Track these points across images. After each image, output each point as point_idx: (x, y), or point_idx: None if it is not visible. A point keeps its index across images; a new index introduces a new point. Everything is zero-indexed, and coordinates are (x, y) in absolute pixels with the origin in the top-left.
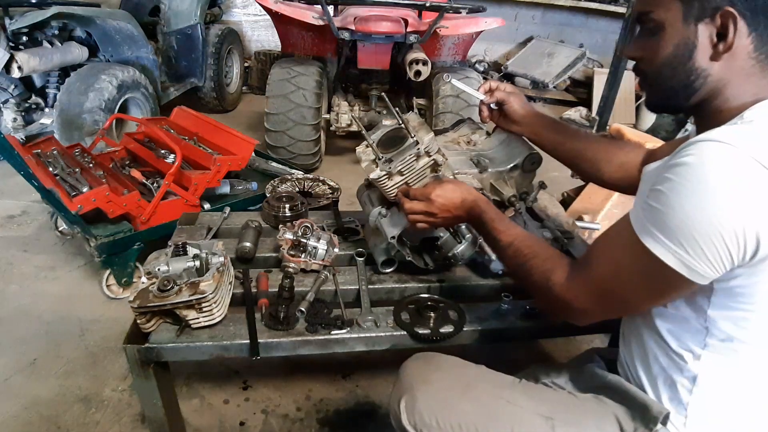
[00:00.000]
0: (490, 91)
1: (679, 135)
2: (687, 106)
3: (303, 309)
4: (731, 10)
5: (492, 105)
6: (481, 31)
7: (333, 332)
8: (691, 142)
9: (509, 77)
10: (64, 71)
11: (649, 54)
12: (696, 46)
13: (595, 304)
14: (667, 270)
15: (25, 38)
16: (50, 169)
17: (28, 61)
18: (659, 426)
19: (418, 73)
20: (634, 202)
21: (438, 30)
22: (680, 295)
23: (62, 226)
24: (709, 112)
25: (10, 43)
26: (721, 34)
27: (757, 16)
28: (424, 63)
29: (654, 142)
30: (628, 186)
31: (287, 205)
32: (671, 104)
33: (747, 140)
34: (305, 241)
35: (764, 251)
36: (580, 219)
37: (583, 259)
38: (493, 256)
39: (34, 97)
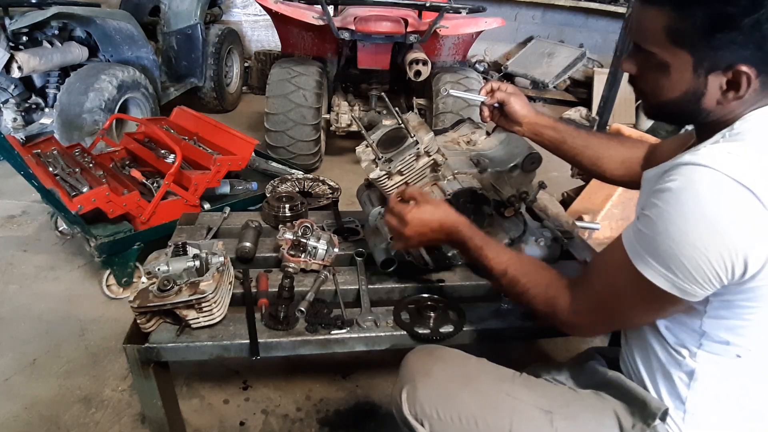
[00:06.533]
0: (492, 92)
1: (681, 132)
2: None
3: (303, 309)
4: (745, 69)
5: (494, 104)
6: (481, 31)
7: (333, 332)
8: (675, 165)
9: (509, 77)
10: (64, 71)
11: (652, 86)
12: (705, 94)
13: (599, 323)
14: (660, 291)
15: (25, 38)
16: (50, 169)
17: (28, 61)
18: (657, 422)
19: (418, 73)
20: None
21: (438, 30)
22: (678, 310)
23: (62, 226)
24: (707, 124)
25: (10, 43)
26: (731, 82)
27: (766, 61)
28: (424, 63)
29: (654, 141)
30: (630, 182)
31: (287, 205)
32: (672, 123)
33: (730, 160)
34: (305, 241)
35: (753, 269)
36: (580, 219)
37: (583, 282)
38: None
39: (34, 97)
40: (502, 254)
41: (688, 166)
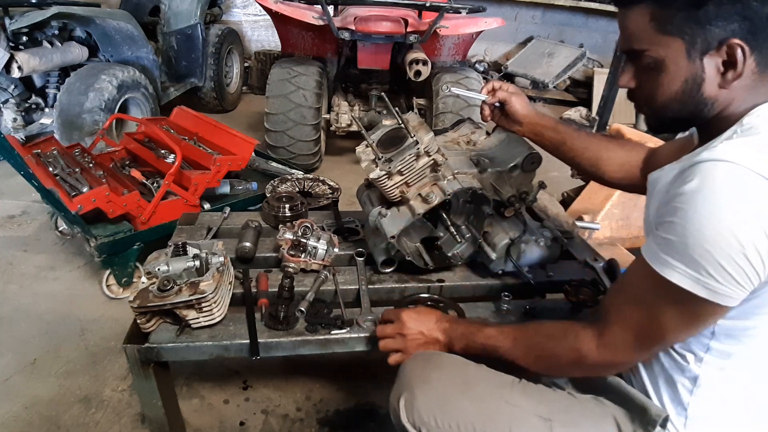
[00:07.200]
0: (493, 91)
1: (679, 134)
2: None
3: (303, 309)
4: (737, 41)
5: (495, 104)
6: (481, 31)
7: (333, 332)
8: (693, 164)
9: (509, 77)
10: (64, 71)
11: (651, 89)
12: (704, 79)
13: (636, 352)
14: (699, 301)
15: (25, 38)
16: (50, 169)
17: (28, 61)
18: (658, 428)
19: (418, 73)
20: (645, 229)
21: (438, 30)
22: (717, 320)
23: (62, 226)
24: (711, 123)
25: (10, 43)
26: (727, 62)
27: (757, 36)
28: (424, 63)
29: (655, 142)
30: (629, 185)
31: (287, 205)
32: (676, 129)
33: (747, 154)
34: (305, 241)
35: None
36: (580, 219)
37: (609, 315)
38: (493, 256)
39: (34, 97)
40: (504, 327)
41: (708, 162)
